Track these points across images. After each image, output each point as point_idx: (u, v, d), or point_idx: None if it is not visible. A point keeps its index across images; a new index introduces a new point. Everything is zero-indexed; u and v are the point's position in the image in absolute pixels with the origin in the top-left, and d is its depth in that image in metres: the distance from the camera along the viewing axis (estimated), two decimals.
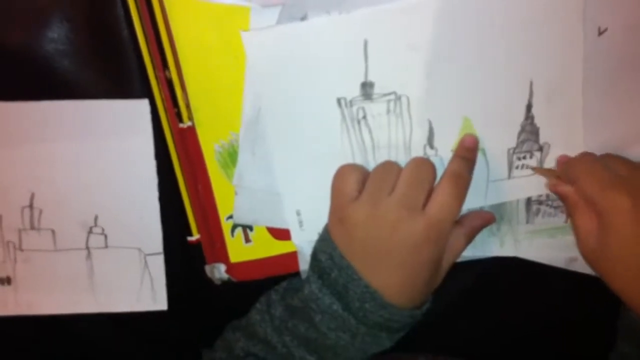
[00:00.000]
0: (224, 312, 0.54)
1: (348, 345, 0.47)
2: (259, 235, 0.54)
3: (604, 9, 0.47)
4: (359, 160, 0.51)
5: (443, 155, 0.50)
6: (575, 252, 0.48)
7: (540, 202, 0.53)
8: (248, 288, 0.54)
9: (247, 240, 0.55)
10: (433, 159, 0.49)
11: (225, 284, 0.56)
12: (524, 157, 0.51)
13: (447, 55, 0.47)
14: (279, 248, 0.55)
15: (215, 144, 0.52)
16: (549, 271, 0.54)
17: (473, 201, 0.50)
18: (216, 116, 0.51)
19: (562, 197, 0.49)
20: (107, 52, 0.50)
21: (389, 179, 0.47)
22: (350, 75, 0.48)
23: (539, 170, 0.51)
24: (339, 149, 0.50)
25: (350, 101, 0.49)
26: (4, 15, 0.49)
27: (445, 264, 0.48)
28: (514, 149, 0.51)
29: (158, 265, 0.56)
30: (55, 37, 0.49)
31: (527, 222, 0.53)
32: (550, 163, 0.51)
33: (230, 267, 0.55)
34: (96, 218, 0.55)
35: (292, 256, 0.54)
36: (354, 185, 0.47)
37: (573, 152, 0.49)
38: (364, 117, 0.49)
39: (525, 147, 0.51)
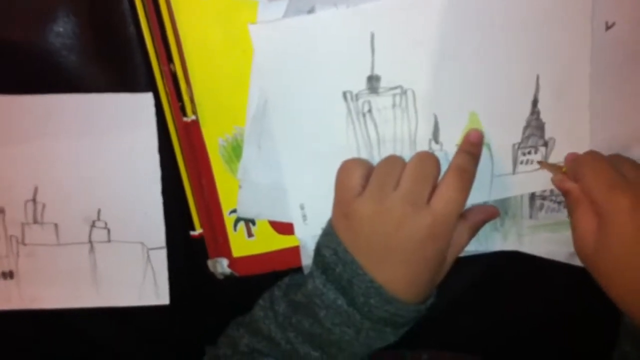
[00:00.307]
0: (226, 307, 0.54)
1: (352, 340, 0.47)
2: (262, 230, 0.54)
3: (611, 4, 0.47)
4: (364, 155, 0.50)
5: (448, 149, 0.50)
6: None
7: (544, 198, 0.53)
8: (250, 283, 0.54)
9: (250, 234, 0.55)
10: (438, 154, 0.49)
11: (228, 278, 0.56)
12: (529, 153, 0.51)
13: (453, 49, 0.47)
14: (281, 243, 0.55)
15: (219, 138, 0.52)
16: (552, 265, 0.54)
17: (477, 196, 0.50)
18: (220, 110, 0.51)
19: (565, 194, 0.49)
20: (113, 46, 0.50)
21: (393, 173, 0.47)
22: (356, 69, 0.48)
23: (545, 165, 0.51)
24: (344, 142, 0.50)
25: (356, 95, 0.49)
26: (10, 9, 0.49)
27: (449, 258, 0.48)
28: (519, 144, 0.51)
29: (161, 260, 0.56)
30: (61, 31, 0.49)
31: (531, 217, 0.54)
32: (555, 158, 0.51)
33: (233, 262, 0.55)
34: (99, 212, 0.55)
35: (295, 251, 0.54)
36: (358, 180, 0.47)
37: (578, 148, 0.50)
38: (370, 110, 0.49)
39: (530, 142, 0.50)
